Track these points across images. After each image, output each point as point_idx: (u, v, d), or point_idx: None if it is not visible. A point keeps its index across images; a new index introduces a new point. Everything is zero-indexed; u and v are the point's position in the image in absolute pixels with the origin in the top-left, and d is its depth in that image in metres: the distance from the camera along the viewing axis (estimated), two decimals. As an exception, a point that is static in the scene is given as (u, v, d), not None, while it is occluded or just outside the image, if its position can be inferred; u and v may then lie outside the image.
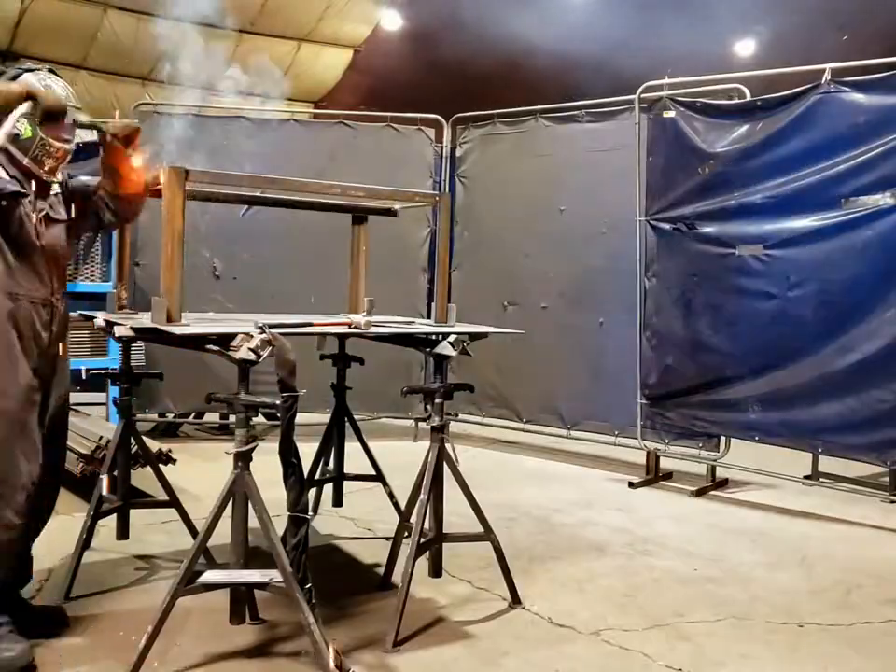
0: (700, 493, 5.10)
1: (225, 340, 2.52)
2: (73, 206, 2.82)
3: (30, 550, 2.84)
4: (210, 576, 2.63)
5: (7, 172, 2.60)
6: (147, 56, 8.90)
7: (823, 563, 3.90)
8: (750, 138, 4.82)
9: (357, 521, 4.25)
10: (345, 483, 4.04)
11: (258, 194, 3.41)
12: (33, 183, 2.66)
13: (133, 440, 3.50)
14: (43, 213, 2.70)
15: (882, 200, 4.35)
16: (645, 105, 5.32)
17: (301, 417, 2.63)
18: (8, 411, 2.56)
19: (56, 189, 2.78)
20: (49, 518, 2.91)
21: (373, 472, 3.99)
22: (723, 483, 5.30)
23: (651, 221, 5.25)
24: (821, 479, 5.16)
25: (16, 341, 2.59)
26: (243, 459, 2.61)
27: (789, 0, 9.58)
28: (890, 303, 4.33)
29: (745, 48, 11.53)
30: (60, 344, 2.79)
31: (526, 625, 3.11)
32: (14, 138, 2.55)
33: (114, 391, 3.56)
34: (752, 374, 4.84)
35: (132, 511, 3.54)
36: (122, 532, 3.52)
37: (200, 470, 4.96)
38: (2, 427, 2.54)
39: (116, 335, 2.99)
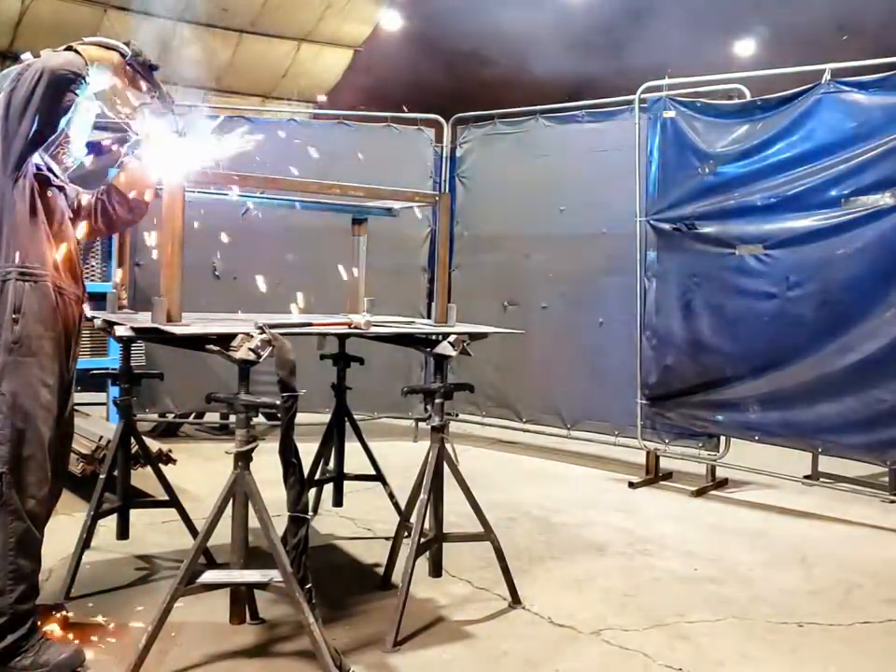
0: (700, 493, 5.10)
1: (225, 340, 2.52)
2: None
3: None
4: (210, 576, 2.63)
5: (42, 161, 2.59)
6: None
7: (823, 563, 3.89)
8: (750, 138, 4.82)
9: (357, 521, 4.25)
10: (345, 482, 4.05)
11: (258, 194, 3.41)
12: (57, 175, 2.66)
13: (132, 439, 3.50)
14: (70, 202, 2.72)
15: (882, 200, 4.35)
16: (645, 105, 5.32)
17: (300, 417, 2.63)
18: (50, 405, 2.55)
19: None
20: (48, 520, 2.92)
21: (373, 472, 4.00)
22: (723, 483, 5.30)
23: (651, 221, 5.25)
24: (821, 479, 5.16)
25: (61, 331, 2.58)
26: (243, 459, 2.61)
27: (789, 0, 9.59)
28: (890, 303, 4.33)
29: (745, 48, 11.54)
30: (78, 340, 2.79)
31: (526, 625, 3.11)
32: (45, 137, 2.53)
33: (114, 391, 3.55)
34: (752, 374, 4.83)
35: (132, 511, 3.54)
36: (122, 532, 3.52)
37: (200, 470, 4.96)
38: (42, 421, 2.53)
39: (116, 335, 2.99)
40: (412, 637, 2.93)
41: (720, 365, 4.97)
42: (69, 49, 2.49)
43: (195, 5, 9.32)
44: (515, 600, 3.27)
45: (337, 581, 3.45)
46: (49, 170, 2.62)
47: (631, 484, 5.25)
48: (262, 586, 2.62)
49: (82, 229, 2.81)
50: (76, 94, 2.45)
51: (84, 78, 2.45)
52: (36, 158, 2.55)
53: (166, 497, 3.52)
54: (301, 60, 10.81)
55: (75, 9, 9.07)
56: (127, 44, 2.60)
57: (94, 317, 3.18)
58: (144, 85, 2.62)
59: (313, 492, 4.04)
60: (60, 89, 2.40)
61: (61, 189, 2.66)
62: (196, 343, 2.65)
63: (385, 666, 2.75)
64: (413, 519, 3.13)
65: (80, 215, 2.80)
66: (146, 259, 5.82)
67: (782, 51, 8.79)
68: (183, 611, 2.77)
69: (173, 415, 6.30)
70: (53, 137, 2.55)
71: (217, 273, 6.12)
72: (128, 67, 2.59)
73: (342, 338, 3.83)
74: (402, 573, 2.97)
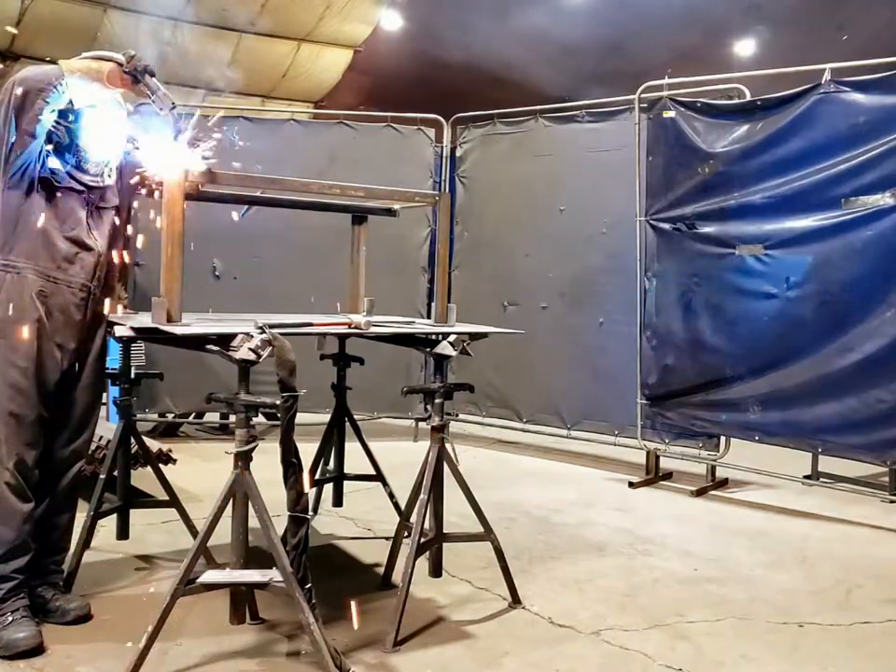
0: (700, 493, 5.10)
1: (225, 340, 2.52)
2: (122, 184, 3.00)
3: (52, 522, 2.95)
4: (210, 576, 2.63)
5: (62, 168, 2.78)
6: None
7: (823, 563, 3.90)
8: (750, 138, 4.82)
9: (357, 521, 4.25)
10: (345, 482, 4.04)
11: (258, 194, 3.41)
12: (81, 181, 2.83)
13: (132, 439, 3.50)
14: (93, 204, 2.88)
15: (882, 200, 4.35)
16: (645, 105, 5.32)
17: (300, 417, 2.63)
18: (18, 384, 2.72)
19: (107, 181, 2.92)
20: (74, 507, 3.06)
21: (373, 472, 3.99)
22: (723, 483, 5.30)
23: (651, 221, 5.25)
24: (821, 479, 5.16)
25: (43, 318, 2.75)
26: (243, 459, 2.61)
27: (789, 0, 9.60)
28: (890, 303, 4.33)
29: (745, 48, 11.54)
30: (98, 326, 2.94)
31: (526, 625, 3.11)
32: (58, 146, 2.75)
33: (114, 391, 3.56)
34: (752, 374, 4.83)
35: (132, 511, 3.54)
36: (122, 532, 3.51)
37: (200, 470, 4.96)
38: (9, 399, 2.71)
39: (116, 335, 2.99)
40: (412, 637, 2.93)
41: (720, 365, 4.97)
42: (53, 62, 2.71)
43: (195, 5, 9.32)
44: (515, 600, 3.27)
45: (337, 580, 3.45)
46: (70, 175, 2.79)
47: (631, 484, 5.25)
48: (262, 586, 2.61)
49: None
50: (45, 102, 2.64)
51: (55, 87, 2.64)
52: (54, 163, 2.74)
53: (166, 497, 3.52)
54: (301, 60, 10.80)
55: (74, 9, 9.06)
56: (125, 54, 2.76)
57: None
58: (141, 90, 2.77)
59: (313, 492, 4.04)
60: (26, 97, 2.63)
61: (80, 192, 2.82)
62: (196, 343, 2.65)
63: (384, 666, 2.75)
64: (412, 519, 3.13)
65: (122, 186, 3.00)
66: (146, 258, 5.80)
67: (782, 51, 8.80)
68: (183, 611, 2.78)
69: (173, 415, 6.30)
70: (44, 144, 2.71)
71: (216, 273, 6.12)
72: (124, 74, 2.74)
73: (342, 338, 3.83)
74: (402, 573, 2.97)
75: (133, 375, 3.49)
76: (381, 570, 3.48)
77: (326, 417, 4.03)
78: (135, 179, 2.93)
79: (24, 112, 2.64)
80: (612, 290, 5.67)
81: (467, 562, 3.62)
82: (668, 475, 5.47)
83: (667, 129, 5.16)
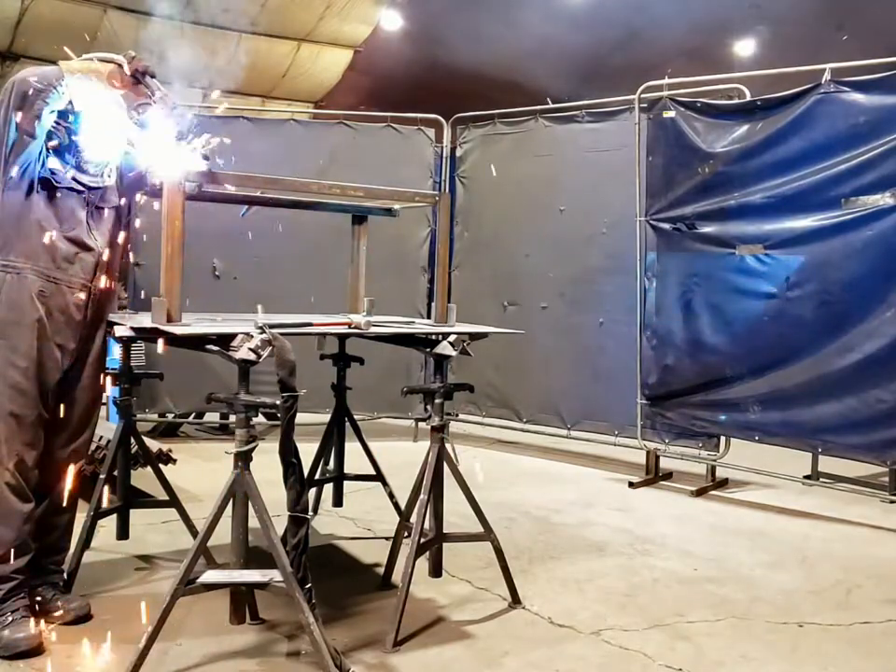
0: (700, 493, 5.10)
1: (225, 340, 2.52)
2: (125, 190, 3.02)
3: (52, 523, 2.95)
4: (210, 576, 2.63)
5: (62, 168, 2.79)
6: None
7: (823, 563, 3.90)
8: (750, 138, 4.82)
9: (357, 521, 4.25)
10: (345, 482, 4.04)
11: (258, 194, 3.41)
12: (81, 181, 2.85)
13: (132, 439, 3.50)
14: (93, 204, 2.89)
15: (882, 200, 4.36)
16: (645, 105, 5.32)
17: (301, 417, 2.63)
18: (19, 385, 2.72)
19: (107, 181, 2.92)
20: (74, 507, 3.05)
21: (373, 472, 3.99)
22: (723, 483, 5.30)
23: (651, 221, 5.25)
24: (821, 479, 5.16)
25: (43, 318, 2.75)
26: (243, 459, 2.61)
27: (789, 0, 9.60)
28: (890, 303, 4.33)
29: (745, 48, 11.54)
30: (98, 326, 2.94)
31: (526, 625, 3.11)
32: (58, 146, 2.76)
33: (114, 391, 3.56)
34: (752, 374, 4.84)
35: (132, 511, 3.54)
36: (122, 532, 3.51)
37: (200, 470, 4.97)
38: (9, 399, 2.71)
39: (116, 335, 3.00)
40: (412, 637, 2.93)
41: (720, 365, 4.97)
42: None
43: (195, 5, 9.31)
44: (515, 600, 3.27)
45: (337, 580, 3.45)
46: (70, 175, 2.79)
47: (631, 484, 5.25)
48: (262, 586, 2.62)
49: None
50: (44, 102, 2.65)
51: (55, 88, 2.66)
52: (54, 163, 2.75)
53: (166, 497, 3.52)
54: (301, 60, 10.79)
55: (74, 9, 9.05)
56: (125, 55, 2.80)
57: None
58: (142, 91, 2.79)
59: (313, 492, 4.04)
60: (26, 98, 2.64)
61: (80, 192, 2.83)
62: (196, 342, 2.65)
63: (384, 666, 2.75)
64: (412, 519, 3.13)
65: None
66: (146, 258, 5.80)
67: (782, 51, 8.80)
68: (183, 611, 2.77)
69: (173, 415, 6.30)
70: (48, 145, 2.73)
71: (217, 273, 6.12)
72: (125, 75, 2.77)
73: (342, 338, 3.83)
74: (402, 573, 2.97)
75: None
76: (381, 570, 3.48)
77: (326, 417, 4.03)
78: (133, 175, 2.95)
79: (24, 112, 2.64)
80: (612, 290, 5.67)
81: (467, 562, 3.62)
82: (668, 475, 5.47)
83: (667, 129, 5.16)
